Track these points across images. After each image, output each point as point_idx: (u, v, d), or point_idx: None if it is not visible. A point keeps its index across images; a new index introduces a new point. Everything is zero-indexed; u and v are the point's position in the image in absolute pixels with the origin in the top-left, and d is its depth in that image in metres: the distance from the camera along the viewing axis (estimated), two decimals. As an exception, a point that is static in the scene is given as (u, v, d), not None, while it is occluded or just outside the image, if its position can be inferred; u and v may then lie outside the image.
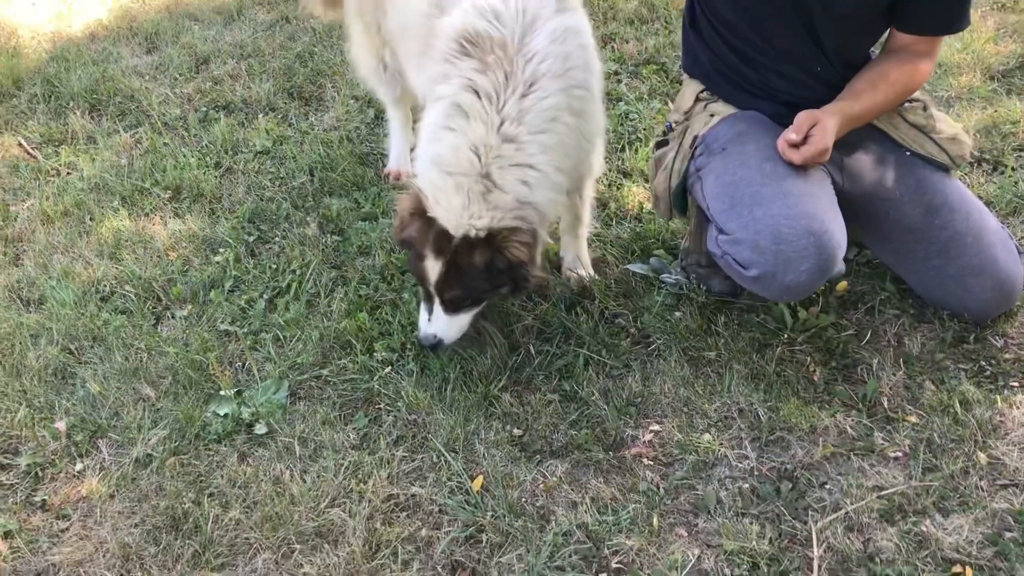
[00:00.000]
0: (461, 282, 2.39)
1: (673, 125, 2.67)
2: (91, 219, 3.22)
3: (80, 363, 2.67)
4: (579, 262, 2.88)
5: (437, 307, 2.47)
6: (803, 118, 2.29)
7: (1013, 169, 3.14)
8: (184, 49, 4.27)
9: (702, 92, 2.59)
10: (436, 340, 2.49)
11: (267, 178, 3.41)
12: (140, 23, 4.50)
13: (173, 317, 2.82)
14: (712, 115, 2.54)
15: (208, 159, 3.52)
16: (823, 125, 2.26)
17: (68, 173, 3.48)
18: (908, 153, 2.51)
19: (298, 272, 2.94)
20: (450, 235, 2.30)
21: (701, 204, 2.49)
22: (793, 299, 2.52)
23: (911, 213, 2.48)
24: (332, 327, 2.71)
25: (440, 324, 2.48)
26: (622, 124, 3.62)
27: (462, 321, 2.50)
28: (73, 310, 2.82)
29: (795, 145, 2.28)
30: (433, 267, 2.37)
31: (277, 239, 3.12)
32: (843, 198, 2.43)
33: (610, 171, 3.34)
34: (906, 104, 2.52)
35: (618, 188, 3.26)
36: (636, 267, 2.88)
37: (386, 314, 2.73)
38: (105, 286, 2.94)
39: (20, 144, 3.65)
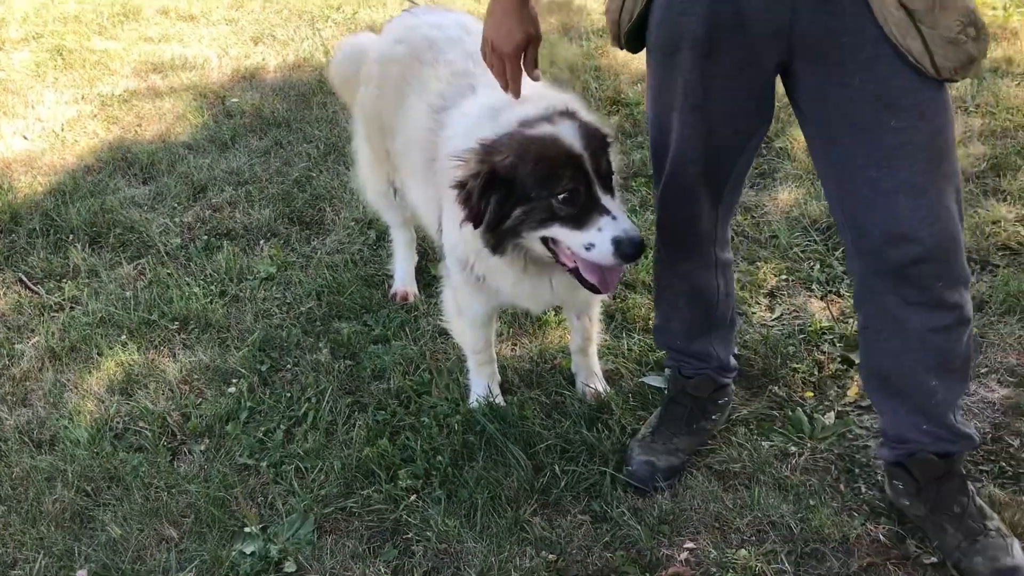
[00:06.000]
0: (606, 155, 2.29)
1: None
2: (99, 354, 3.20)
3: (98, 505, 2.61)
4: (594, 376, 2.91)
5: (609, 201, 2.23)
6: None
7: (1003, 268, 3.26)
8: (181, 178, 4.33)
9: None
10: (638, 235, 2.20)
11: (274, 304, 3.43)
12: (135, 153, 4.57)
13: (190, 452, 2.79)
14: None
15: (213, 288, 3.54)
16: None
17: (72, 308, 3.47)
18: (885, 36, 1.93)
19: (314, 400, 2.93)
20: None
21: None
22: None
23: (865, 109, 1.98)
24: (353, 456, 2.69)
25: (623, 212, 2.25)
26: (619, 237, 3.72)
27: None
28: (87, 450, 2.78)
29: None
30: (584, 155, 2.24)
31: (289, 366, 3.12)
32: (795, 71, 2.08)
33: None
34: None
35: (623, 301, 3.33)
36: (651, 380, 2.92)
37: (407, 439, 2.73)
38: (118, 423, 2.91)
39: (21, 280, 3.65)
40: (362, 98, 3.13)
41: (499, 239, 2.31)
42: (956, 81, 1.96)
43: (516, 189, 2.23)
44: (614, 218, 2.20)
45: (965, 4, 1.91)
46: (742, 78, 2.10)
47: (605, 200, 2.23)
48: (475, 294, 2.65)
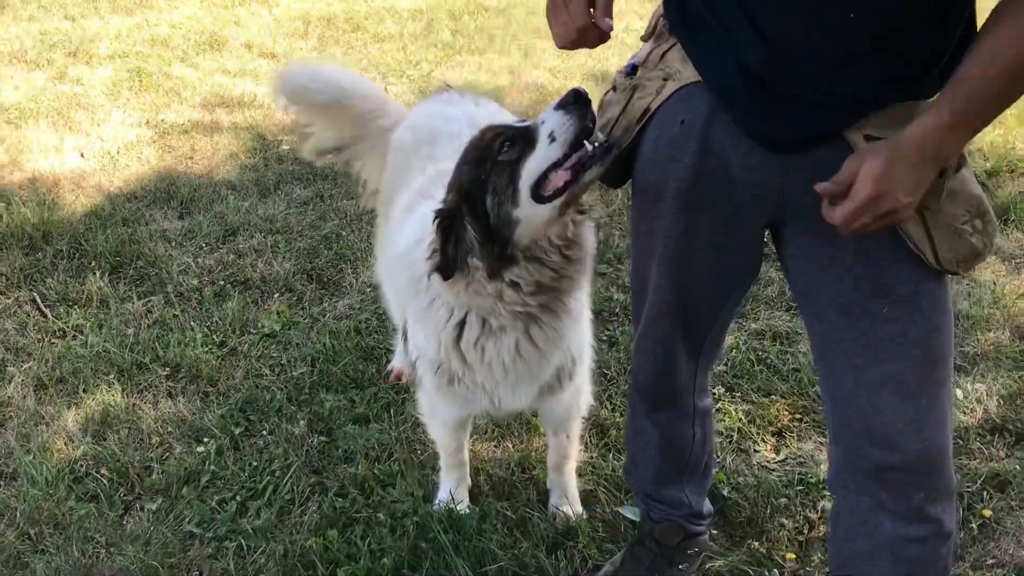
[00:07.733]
0: None
1: (633, 69, 1.98)
2: (84, 390, 3.18)
3: (36, 552, 2.56)
4: (566, 499, 2.75)
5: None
6: (848, 164, 1.59)
7: (1036, 446, 2.99)
8: (216, 218, 4.35)
9: (662, 17, 1.93)
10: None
11: (267, 365, 3.37)
12: (178, 187, 4.62)
13: (142, 509, 2.72)
14: (665, 79, 1.87)
15: (214, 337, 3.50)
16: (866, 168, 1.54)
17: (73, 337, 3.48)
18: None
19: (277, 474, 2.84)
20: None
21: None
22: None
23: (856, 290, 1.78)
24: (299, 542, 2.58)
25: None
26: (634, 344, 3.55)
27: None
28: (43, 490, 2.74)
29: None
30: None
31: (264, 433, 3.04)
32: (785, 234, 1.90)
33: (615, 395, 3.25)
34: None
35: (622, 415, 3.16)
36: (626, 511, 2.74)
37: (356, 535, 2.60)
38: (81, 466, 2.87)
39: (34, 300, 3.68)
40: (384, 177, 3.07)
41: (499, 243, 2.05)
42: (958, 275, 1.75)
43: (473, 195, 2.05)
44: (541, 114, 2.04)
45: (974, 192, 1.71)
46: (728, 233, 1.92)
47: (521, 120, 2.16)
48: (448, 399, 2.50)
